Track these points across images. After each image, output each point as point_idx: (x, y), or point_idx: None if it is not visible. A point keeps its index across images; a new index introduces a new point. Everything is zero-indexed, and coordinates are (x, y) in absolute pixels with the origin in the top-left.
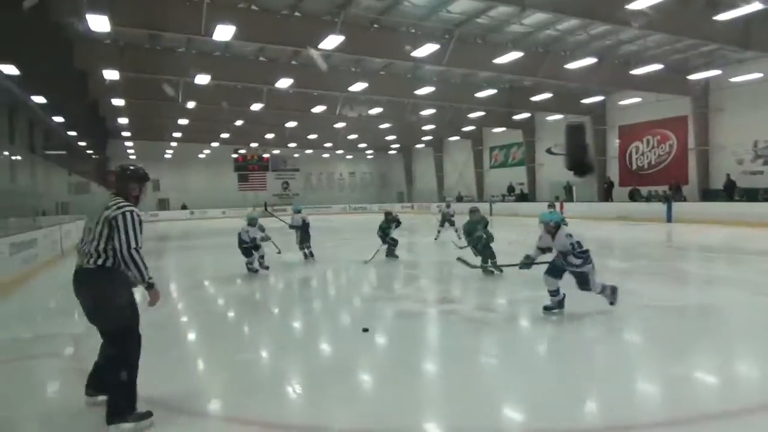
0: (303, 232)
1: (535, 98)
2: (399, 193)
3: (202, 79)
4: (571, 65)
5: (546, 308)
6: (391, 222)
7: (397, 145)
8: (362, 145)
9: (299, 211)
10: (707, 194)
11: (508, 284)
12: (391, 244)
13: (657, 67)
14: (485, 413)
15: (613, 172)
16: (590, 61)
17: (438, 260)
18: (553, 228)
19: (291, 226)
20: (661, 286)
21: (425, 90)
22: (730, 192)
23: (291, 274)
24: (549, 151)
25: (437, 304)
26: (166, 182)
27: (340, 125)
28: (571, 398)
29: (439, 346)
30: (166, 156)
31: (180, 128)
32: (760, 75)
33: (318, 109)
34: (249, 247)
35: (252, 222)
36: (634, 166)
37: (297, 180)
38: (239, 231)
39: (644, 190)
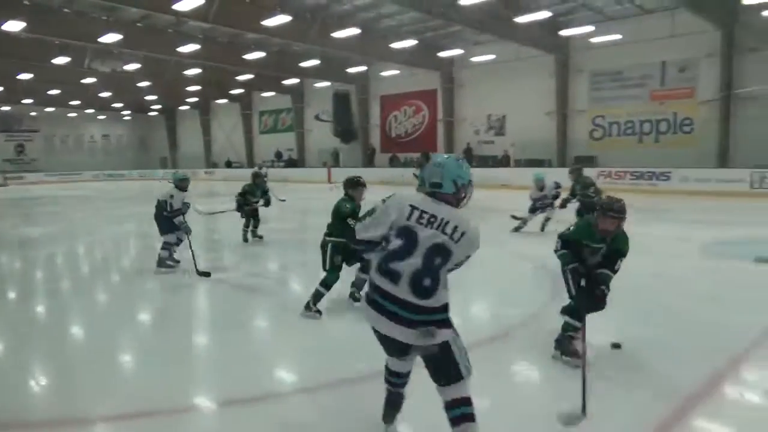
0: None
1: (304, 64)
2: (162, 158)
3: None
4: (337, 34)
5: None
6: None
7: (158, 107)
8: (117, 105)
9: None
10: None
11: (278, 249)
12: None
13: (412, 42)
14: (257, 378)
15: (375, 140)
16: (354, 31)
17: (209, 228)
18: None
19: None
20: None
21: (189, 47)
22: (469, 159)
23: (36, 252)
24: (317, 117)
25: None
26: None
27: (89, 81)
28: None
29: (209, 317)
30: None
31: None
32: (493, 56)
33: (60, 60)
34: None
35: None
36: (393, 134)
37: (36, 142)
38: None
39: (402, 157)
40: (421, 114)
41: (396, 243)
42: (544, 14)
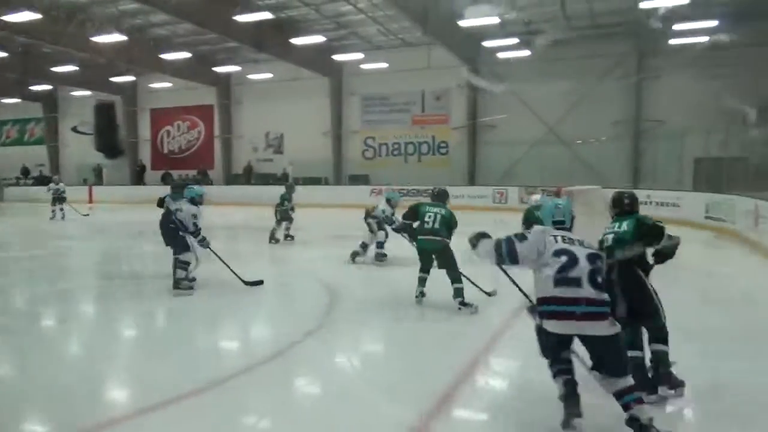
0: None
1: (58, 69)
2: None
3: None
4: (98, 38)
5: None
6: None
7: None
8: None
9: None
10: (230, 179)
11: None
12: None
13: (185, 54)
14: None
15: (146, 156)
16: (119, 37)
17: None
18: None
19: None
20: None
21: None
22: (249, 177)
23: None
24: (75, 129)
25: None
26: None
27: None
28: None
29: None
30: None
31: None
32: (270, 75)
33: None
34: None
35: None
36: (166, 150)
37: None
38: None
39: (176, 174)
40: (197, 130)
41: (560, 260)
42: (318, 38)
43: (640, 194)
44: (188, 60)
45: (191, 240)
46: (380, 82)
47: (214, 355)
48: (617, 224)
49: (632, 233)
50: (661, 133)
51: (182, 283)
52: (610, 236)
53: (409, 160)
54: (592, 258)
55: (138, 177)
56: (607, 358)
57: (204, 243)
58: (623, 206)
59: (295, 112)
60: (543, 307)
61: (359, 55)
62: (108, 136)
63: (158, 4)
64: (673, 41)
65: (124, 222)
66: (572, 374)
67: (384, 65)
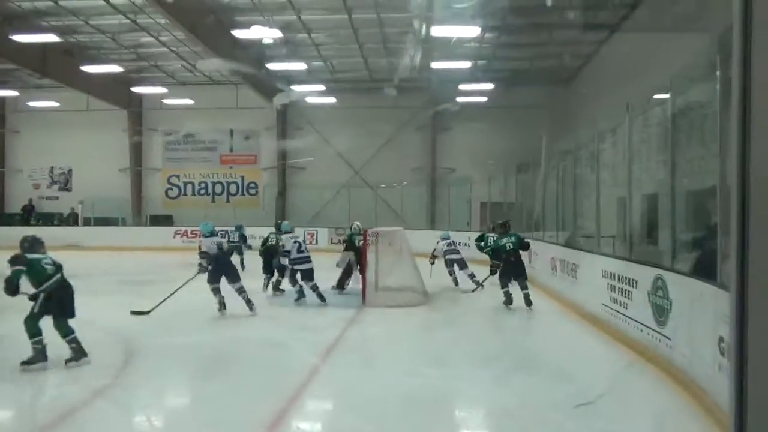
0: None
1: None
2: None
3: None
4: None
5: None
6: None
7: None
8: None
9: None
10: (4, 218)
11: None
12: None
13: None
14: None
15: None
16: None
17: None
18: None
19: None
20: None
21: None
22: (28, 217)
23: None
24: None
25: None
26: None
27: None
28: None
29: None
30: None
31: None
32: (57, 104)
33: None
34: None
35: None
36: None
37: None
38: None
39: None
40: None
41: None
42: (114, 68)
43: (436, 234)
44: None
45: None
46: (185, 118)
47: None
48: (508, 237)
49: (518, 241)
50: (452, 180)
51: None
52: (509, 244)
53: (217, 200)
54: None
55: None
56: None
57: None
58: (507, 228)
59: (86, 146)
60: None
61: (162, 90)
62: None
63: None
64: (459, 99)
65: None
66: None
67: (189, 101)
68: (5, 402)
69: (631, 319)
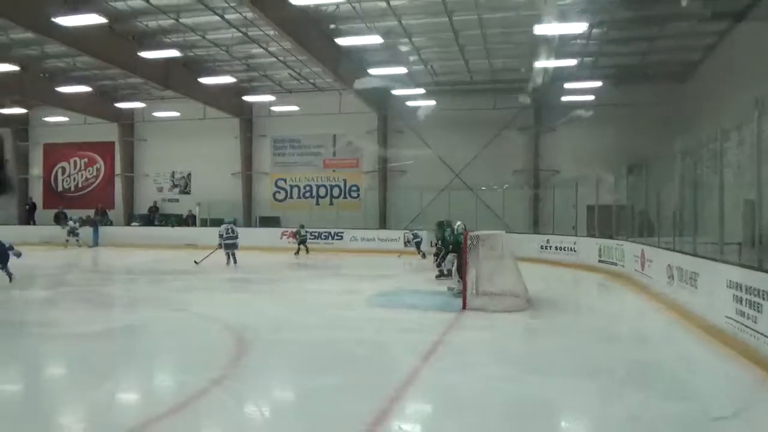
0: None
1: None
2: None
3: None
4: None
5: None
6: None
7: None
8: None
9: None
10: (132, 218)
11: None
12: None
13: (85, 88)
14: None
15: (37, 193)
16: (10, 67)
17: None
18: None
19: None
20: (87, 312)
21: None
22: (153, 217)
23: None
24: None
25: None
26: None
27: None
28: None
29: None
30: None
31: None
32: (178, 114)
33: None
34: None
35: None
36: (60, 188)
37: None
38: None
39: (71, 213)
40: (95, 167)
41: None
42: (227, 79)
43: (541, 239)
44: (88, 94)
45: None
46: (291, 124)
47: (110, 408)
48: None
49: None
50: (556, 182)
51: None
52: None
53: (321, 203)
54: None
55: (28, 216)
56: None
57: None
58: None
59: (203, 152)
60: None
61: (270, 98)
62: None
63: (56, 35)
64: (564, 98)
65: None
66: None
67: (295, 108)
68: (132, 387)
69: (761, 334)
